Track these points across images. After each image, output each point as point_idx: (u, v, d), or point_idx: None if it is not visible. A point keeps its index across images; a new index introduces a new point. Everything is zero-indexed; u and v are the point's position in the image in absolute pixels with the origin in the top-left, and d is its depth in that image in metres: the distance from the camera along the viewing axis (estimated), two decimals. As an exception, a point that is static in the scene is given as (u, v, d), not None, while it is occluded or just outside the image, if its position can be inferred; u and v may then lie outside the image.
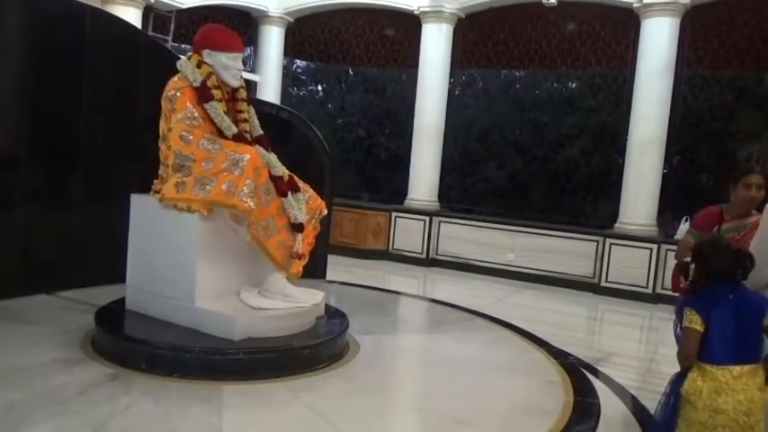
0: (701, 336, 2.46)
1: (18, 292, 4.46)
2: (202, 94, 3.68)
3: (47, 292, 4.67)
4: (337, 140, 12.03)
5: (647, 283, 7.10)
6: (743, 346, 2.45)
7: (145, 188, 3.93)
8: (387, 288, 6.61)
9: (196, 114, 3.66)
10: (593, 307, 6.89)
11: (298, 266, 3.82)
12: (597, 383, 3.84)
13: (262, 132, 4.01)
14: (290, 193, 3.77)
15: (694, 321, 2.47)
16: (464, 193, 11.67)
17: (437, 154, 8.69)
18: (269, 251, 3.67)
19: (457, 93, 10.61)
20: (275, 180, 3.73)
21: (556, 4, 7.70)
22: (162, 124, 3.78)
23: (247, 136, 3.84)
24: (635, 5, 7.32)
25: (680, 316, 2.60)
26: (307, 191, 3.95)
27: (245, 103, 3.97)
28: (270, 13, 9.36)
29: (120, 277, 3.99)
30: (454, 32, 8.60)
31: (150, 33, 7.70)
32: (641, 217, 7.30)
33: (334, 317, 4.12)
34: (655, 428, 2.91)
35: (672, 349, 2.73)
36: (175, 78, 3.75)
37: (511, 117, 12.14)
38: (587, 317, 6.64)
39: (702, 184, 10.79)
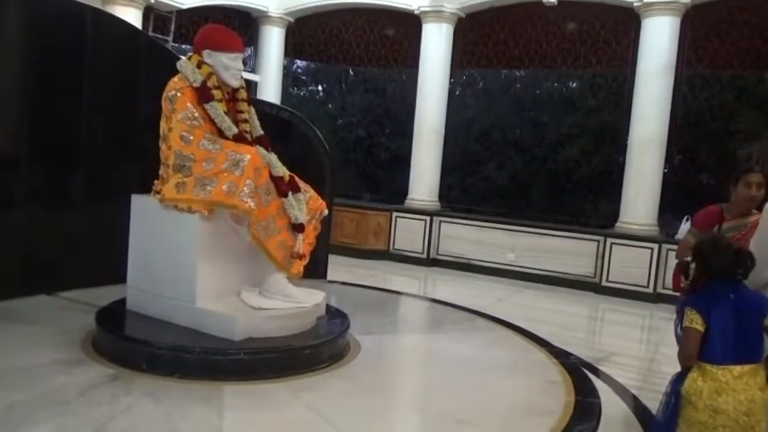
0: (701, 335, 2.45)
1: (19, 292, 4.46)
2: (203, 95, 3.68)
3: (47, 293, 4.67)
4: (338, 140, 12.03)
5: (648, 283, 7.09)
6: (743, 346, 2.45)
7: (145, 188, 3.93)
8: (387, 288, 6.60)
9: (196, 115, 3.66)
10: (594, 307, 6.89)
11: (298, 267, 3.82)
12: (598, 383, 3.84)
13: (262, 132, 4.01)
14: (290, 193, 3.77)
15: (695, 321, 2.46)
16: (464, 192, 11.67)
17: (437, 154, 8.68)
18: (269, 251, 3.67)
19: (457, 93, 10.61)
20: (276, 180, 3.73)
21: (556, 3, 7.69)
22: (162, 125, 3.78)
23: (248, 136, 3.84)
24: (635, 5, 7.31)
25: (681, 316, 2.60)
26: (307, 191, 3.95)
27: (246, 104, 3.97)
28: (270, 14, 9.35)
29: (120, 278, 3.99)
30: (454, 32, 8.59)
31: (150, 34, 7.70)
32: (642, 216, 7.29)
33: (335, 317, 4.13)
34: (656, 428, 2.91)
35: (672, 349, 2.72)
36: (176, 79, 3.75)
37: (511, 117, 12.14)
38: (588, 317, 6.63)
39: (703, 183, 10.79)
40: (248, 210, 3.48)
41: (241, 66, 3.90)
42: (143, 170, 4.10)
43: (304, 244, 3.80)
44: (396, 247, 8.61)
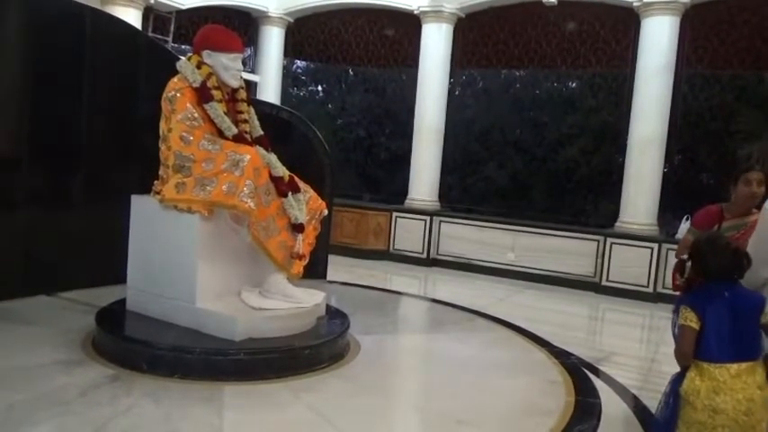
0: (696, 333, 2.46)
1: (19, 292, 4.46)
2: (202, 95, 3.68)
3: (48, 293, 4.67)
4: (337, 140, 12.03)
5: (648, 283, 7.09)
6: (739, 344, 2.44)
7: (145, 189, 3.93)
8: (387, 288, 6.61)
9: (196, 115, 3.66)
10: (595, 306, 6.89)
11: (298, 267, 3.82)
12: (598, 383, 3.84)
13: (262, 133, 4.01)
14: (290, 193, 3.77)
15: (689, 319, 2.47)
16: (465, 192, 11.68)
17: (437, 154, 8.68)
18: (269, 252, 3.67)
19: (457, 93, 10.60)
20: (275, 180, 3.73)
21: (556, 3, 7.69)
22: (162, 125, 3.78)
23: (247, 136, 3.84)
24: (635, 5, 7.31)
25: (677, 314, 2.60)
26: (307, 191, 3.95)
27: (245, 104, 3.97)
28: (270, 14, 9.35)
29: (120, 278, 3.99)
30: (454, 32, 8.59)
31: (150, 34, 7.70)
32: (642, 216, 7.29)
33: (335, 317, 4.13)
34: (655, 428, 2.91)
35: (672, 348, 2.72)
36: (175, 79, 3.75)
37: (511, 117, 12.15)
38: (588, 316, 6.64)
39: (703, 183, 10.79)
40: (248, 210, 3.48)
41: (241, 66, 3.90)
42: (143, 170, 4.10)
43: (304, 244, 3.80)
44: (396, 247, 8.61)
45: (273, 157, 3.83)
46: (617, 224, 7.50)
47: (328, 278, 6.12)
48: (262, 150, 3.77)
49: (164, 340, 3.43)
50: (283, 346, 3.54)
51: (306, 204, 3.87)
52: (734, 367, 2.41)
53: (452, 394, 3.44)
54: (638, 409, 3.56)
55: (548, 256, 7.71)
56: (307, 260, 3.87)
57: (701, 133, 9.85)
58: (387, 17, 9.27)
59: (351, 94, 13.36)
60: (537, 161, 11.76)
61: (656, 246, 7.07)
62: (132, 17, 7.38)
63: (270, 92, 9.45)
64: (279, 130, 5.43)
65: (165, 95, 3.72)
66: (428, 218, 8.44)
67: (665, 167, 7.50)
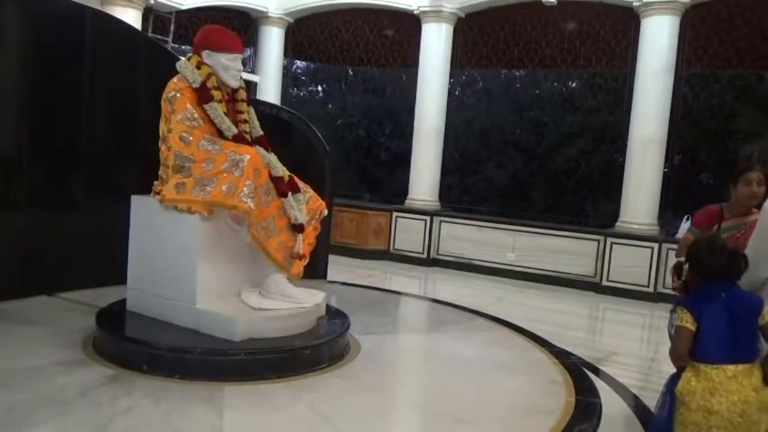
0: (692, 334, 2.45)
1: (19, 293, 4.46)
2: (202, 95, 3.68)
3: (48, 294, 4.67)
4: (337, 140, 12.05)
5: (649, 282, 7.09)
6: (736, 346, 2.43)
7: (145, 189, 3.93)
8: (388, 288, 6.61)
9: (196, 115, 3.66)
10: (595, 306, 6.89)
11: (298, 267, 3.82)
12: (599, 383, 3.84)
13: (262, 133, 4.01)
14: (290, 193, 3.76)
15: (685, 320, 2.46)
16: (465, 192, 11.69)
17: (437, 154, 8.68)
18: (269, 252, 3.67)
19: (457, 93, 10.62)
20: (275, 181, 3.72)
21: (556, 3, 7.69)
22: (162, 125, 3.78)
23: (247, 137, 3.84)
24: (635, 5, 7.31)
25: (674, 314, 2.60)
26: (307, 191, 3.94)
27: (245, 104, 3.97)
28: (270, 14, 9.36)
29: (121, 278, 3.99)
30: (454, 32, 8.60)
31: (150, 34, 7.70)
32: (642, 216, 7.30)
33: (335, 317, 4.13)
34: (654, 428, 2.91)
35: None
36: (175, 79, 3.75)
37: (511, 117, 12.16)
38: (588, 316, 6.64)
39: (703, 182, 10.80)
40: (248, 210, 3.48)
41: (240, 66, 3.90)
42: (143, 171, 4.10)
43: (304, 244, 3.79)
44: (396, 247, 8.61)
45: (273, 158, 3.83)
46: (617, 224, 7.50)
47: (328, 278, 6.12)
48: (262, 150, 3.77)
49: (164, 340, 3.43)
50: (283, 347, 3.53)
51: (306, 204, 3.87)
52: (730, 369, 2.40)
53: (452, 394, 3.44)
54: (639, 408, 3.56)
55: (548, 255, 7.71)
56: (307, 260, 3.87)
57: (701, 133, 9.87)
58: (387, 17, 9.28)
59: (351, 94, 13.38)
60: (537, 161, 11.77)
61: (656, 246, 7.07)
62: (132, 17, 7.38)
63: (270, 92, 9.45)
64: (279, 130, 5.43)
65: (164, 96, 3.72)
66: (428, 218, 8.44)
67: (665, 167, 7.50)
